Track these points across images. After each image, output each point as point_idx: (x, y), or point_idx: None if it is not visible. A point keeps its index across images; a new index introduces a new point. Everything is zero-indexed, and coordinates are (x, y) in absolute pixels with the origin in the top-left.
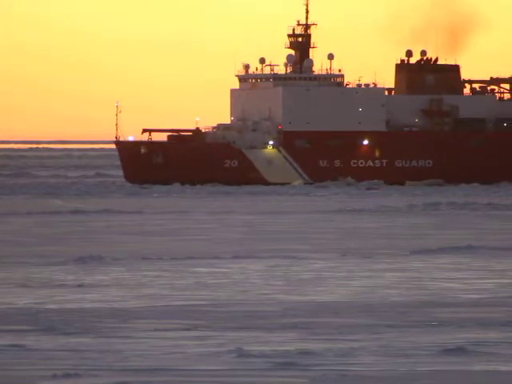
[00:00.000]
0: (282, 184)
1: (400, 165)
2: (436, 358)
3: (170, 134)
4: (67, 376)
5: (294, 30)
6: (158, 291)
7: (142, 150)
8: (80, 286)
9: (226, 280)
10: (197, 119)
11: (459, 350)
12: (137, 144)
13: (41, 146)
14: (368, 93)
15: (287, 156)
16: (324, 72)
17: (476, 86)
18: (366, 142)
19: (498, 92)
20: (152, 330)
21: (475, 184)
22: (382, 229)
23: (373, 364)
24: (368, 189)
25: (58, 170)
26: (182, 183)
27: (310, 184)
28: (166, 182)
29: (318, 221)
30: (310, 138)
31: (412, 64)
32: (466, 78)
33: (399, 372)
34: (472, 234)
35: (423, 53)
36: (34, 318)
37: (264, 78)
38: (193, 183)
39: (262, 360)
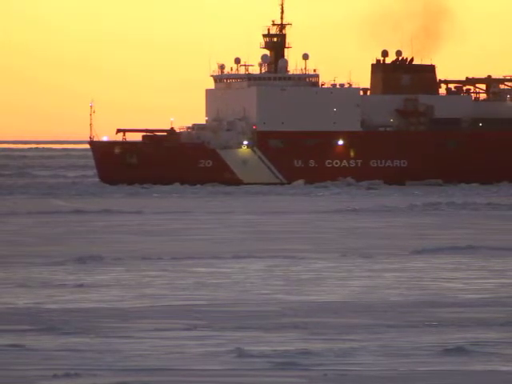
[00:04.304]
0: (257, 184)
1: (375, 165)
2: (436, 358)
3: (145, 134)
4: (67, 376)
5: (268, 29)
6: (157, 291)
7: (116, 150)
8: (80, 285)
9: (226, 280)
10: (171, 119)
11: (459, 350)
12: (111, 144)
13: (41, 146)
14: (343, 93)
15: (262, 156)
16: (299, 72)
17: (452, 86)
18: (340, 142)
19: (473, 92)
20: (152, 330)
21: (474, 184)
22: (382, 229)
23: (373, 364)
24: (368, 189)
25: (58, 170)
26: (181, 184)
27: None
28: (140, 182)
29: (318, 221)
30: (284, 138)
31: (387, 64)
32: (442, 78)
33: (399, 372)
34: (472, 234)
35: (399, 53)
36: (34, 318)
37: (239, 78)
38: (164, 183)
39: (262, 360)
